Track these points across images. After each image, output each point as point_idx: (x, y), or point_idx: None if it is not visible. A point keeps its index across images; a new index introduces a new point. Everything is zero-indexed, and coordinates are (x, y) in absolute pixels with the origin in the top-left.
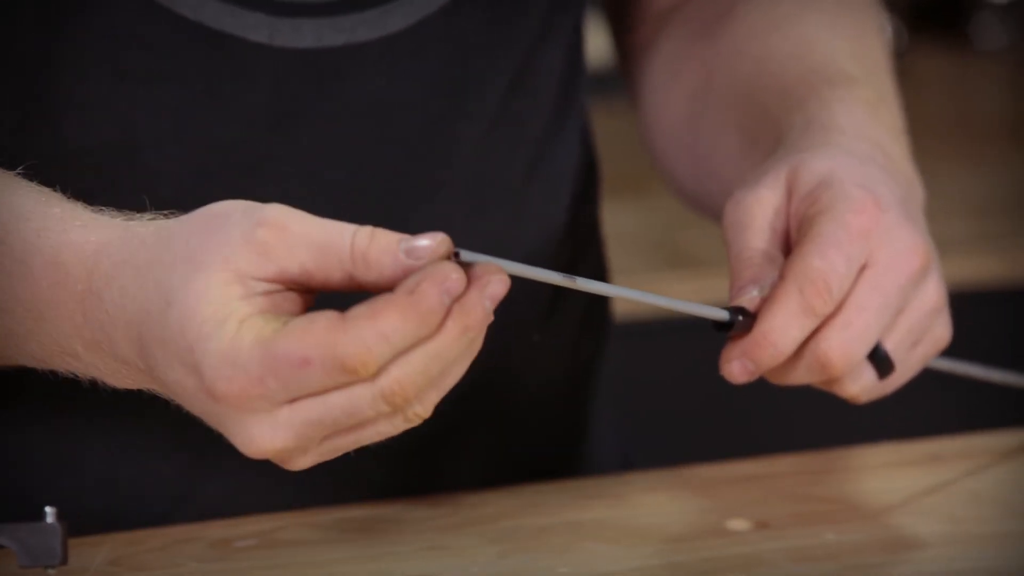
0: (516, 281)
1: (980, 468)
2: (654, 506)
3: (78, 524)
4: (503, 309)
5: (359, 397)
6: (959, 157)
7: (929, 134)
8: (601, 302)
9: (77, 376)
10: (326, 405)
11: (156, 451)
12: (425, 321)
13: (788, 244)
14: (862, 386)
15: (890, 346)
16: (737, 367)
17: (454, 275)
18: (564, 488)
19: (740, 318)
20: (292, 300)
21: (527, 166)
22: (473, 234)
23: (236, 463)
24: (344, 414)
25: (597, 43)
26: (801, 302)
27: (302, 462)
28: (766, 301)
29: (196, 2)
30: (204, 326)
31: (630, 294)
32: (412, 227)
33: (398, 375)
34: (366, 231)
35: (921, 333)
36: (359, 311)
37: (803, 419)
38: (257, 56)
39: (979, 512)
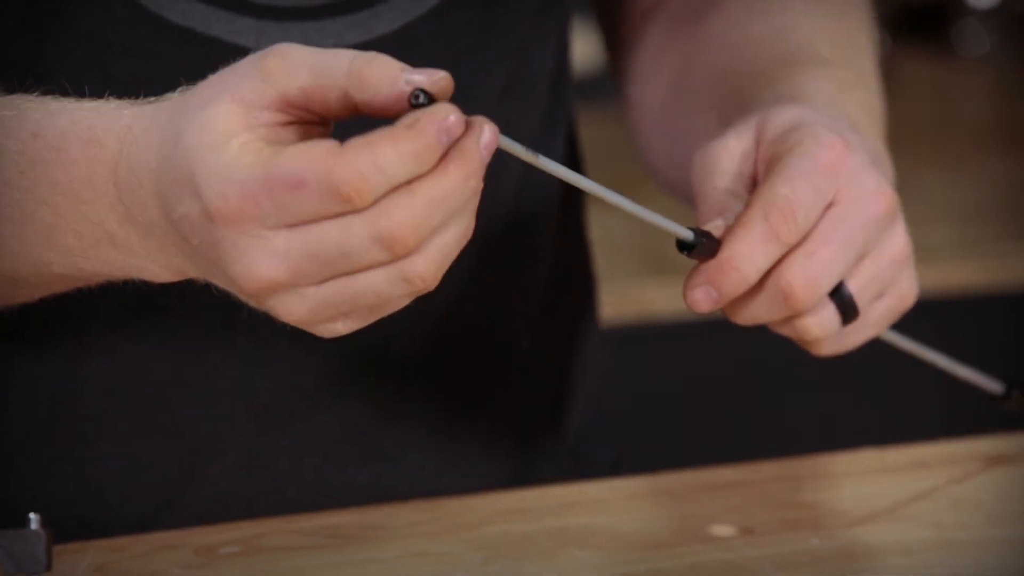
0: (508, 287)
1: (964, 474)
2: (638, 512)
3: (62, 531)
4: (494, 313)
5: (355, 235)
6: (942, 163)
7: (912, 140)
8: (590, 308)
9: (111, 283)
10: (321, 236)
11: (141, 459)
12: (421, 156)
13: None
14: (824, 328)
15: (854, 289)
16: (701, 294)
17: (453, 116)
18: (548, 494)
19: (704, 240)
20: (295, 134)
21: (518, 169)
22: None
23: (221, 471)
24: (339, 251)
25: (581, 49)
26: (766, 228)
27: (297, 308)
28: (730, 228)
29: (185, 7)
30: (205, 150)
31: (593, 186)
32: None
33: (398, 217)
34: (368, 54)
35: (886, 283)
36: (357, 140)
37: (787, 425)
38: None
39: (963, 518)
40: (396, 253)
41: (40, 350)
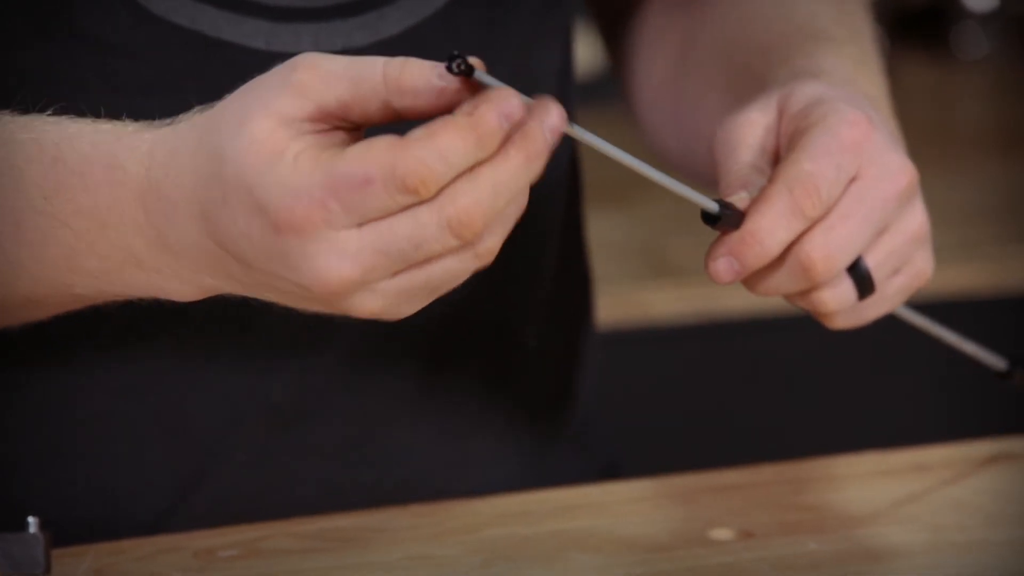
0: (515, 287)
1: (962, 477)
2: (638, 515)
3: (71, 533)
4: (502, 314)
5: (424, 225)
6: (942, 166)
7: (912, 142)
8: (589, 309)
9: (134, 301)
10: (392, 231)
11: (150, 459)
12: (483, 142)
13: (778, 162)
14: (840, 302)
15: (871, 264)
16: (723, 264)
17: (514, 100)
18: (548, 497)
19: (729, 213)
20: (340, 138)
21: None
22: None
23: (230, 470)
24: (410, 244)
25: (579, 53)
26: (790, 202)
27: (371, 303)
28: (754, 201)
29: (192, 10)
30: (260, 165)
31: (624, 156)
32: None
33: (465, 203)
34: (397, 60)
35: (903, 259)
36: (418, 132)
37: (787, 427)
38: (254, 63)
39: (961, 520)
40: (465, 238)
41: (51, 351)
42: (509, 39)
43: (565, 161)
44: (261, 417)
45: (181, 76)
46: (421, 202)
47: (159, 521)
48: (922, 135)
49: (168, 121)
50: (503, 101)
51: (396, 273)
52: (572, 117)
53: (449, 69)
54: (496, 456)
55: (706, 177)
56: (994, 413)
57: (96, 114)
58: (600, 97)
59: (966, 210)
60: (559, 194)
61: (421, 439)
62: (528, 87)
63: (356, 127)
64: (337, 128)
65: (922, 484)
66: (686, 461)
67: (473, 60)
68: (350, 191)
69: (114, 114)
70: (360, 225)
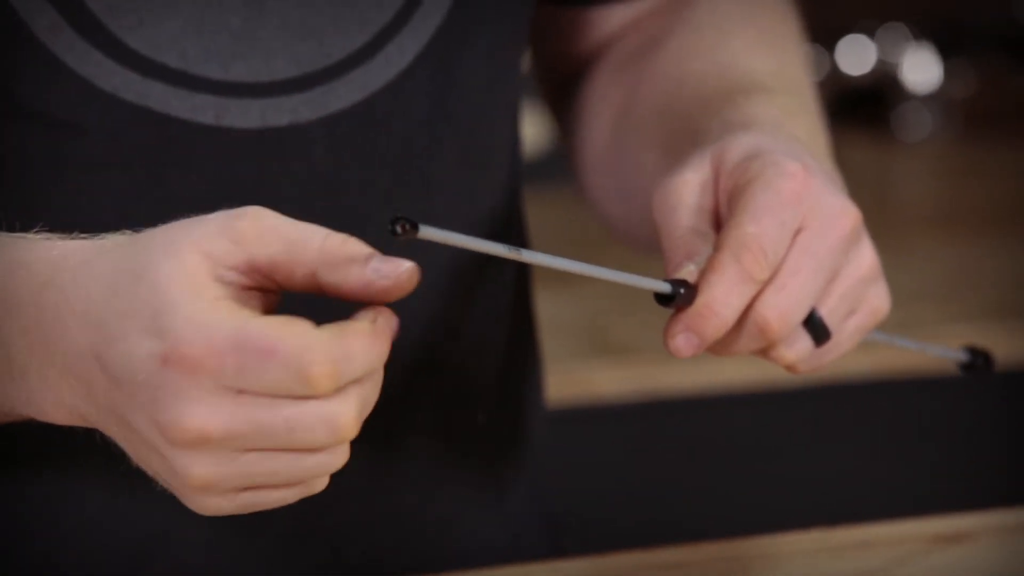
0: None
1: (908, 555)
2: None
3: None
4: (453, 391)
5: (307, 414)
6: (884, 246)
7: None
8: (538, 387)
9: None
10: (272, 407)
11: (109, 527)
12: (386, 352)
13: (718, 222)
14: (798, 353)
15: (825, 312)
16: (682, 341)
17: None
18: (492, 574)
19: (682, 291)
20: (256, 300)
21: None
22: (423, 310)
23: (175, 552)
24: (286, 426)
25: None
26: (739, 270)
27: (210, 469)
28: (704, 273)
29: (142, 87)
30: (177, 295)
31: (574, 266)
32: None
33: (349, 405)
34: (340, 236)
35: (856, 301)
36: (334, 328)
37: (731, 505)
38: (203, 138)
39: None
40: (342, 439)
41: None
42: (459, 113)
43: (519, 242)
44: None
45: (130, 152)
46: (311, 395)
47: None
48: (865, 215)
49: (88, 236)
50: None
51: (251, 449)
52: (521, 192)
53: (394, 232)
54: (446, 532)
55: (648, 239)
56: (941, 489)
57: (44, 197)
58: (541, 177)
59: (909, 290)
60: (508, 274)
61: (372, 516)
62: (479, 162)
63: (274, 290)
64: (257, 288)
65: (867, 562)
66: (629, 538)
67: (403, 274)
68: (252, 355)
69: (61, 194)
70: (241, 391)
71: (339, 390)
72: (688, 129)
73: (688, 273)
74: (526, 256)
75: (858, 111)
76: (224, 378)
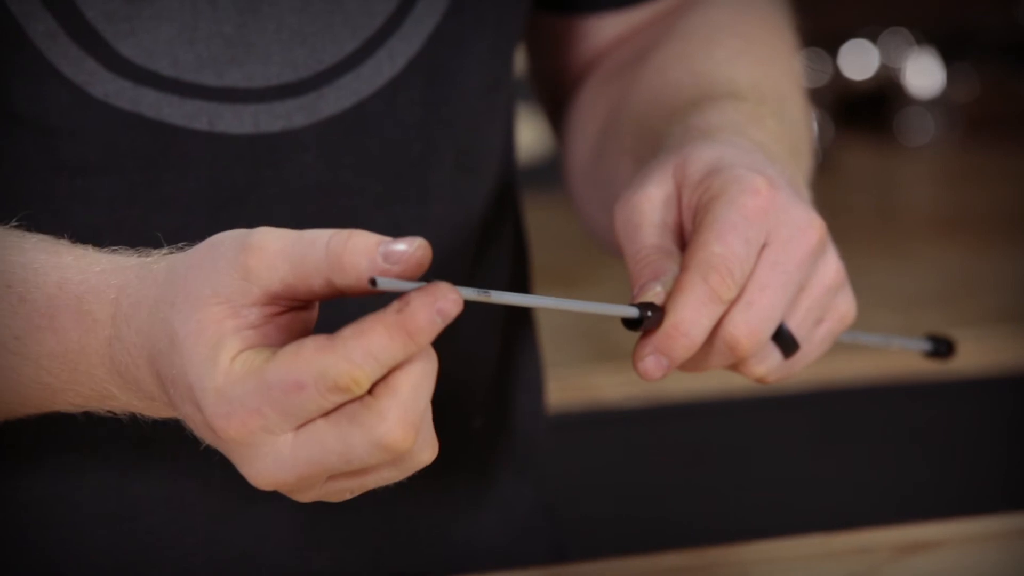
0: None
1: (907, 559)
2: None
3: None
4: (447, 396)
5: (353, 447)
6: (886, 251)
7: (856, 228)
8: (538, 392)
9: (116, 415)
10: (323, 447)
11: (96, 545)
12: (413, 339)
13: (682, 237)
14: (768, 367)
15: (793, 324)
16: (652, 362)
17: (451, 295)
18: None
19: (649, 314)
20: (289, 323)
21: (475, 248)
22: None
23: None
24: (342, 460)
25: (525, 137)
26: (706, 290)
27: (305, 497)
28: (671, 294)
29: (134, 94)
30: (200, 367)
31: (541, 302)
32: (353, 313)
33: (393, 419)
34: (343, 234)
35: (824, 310)
36: (347, 331)
37: (733, 509)
38: (196, 144)
39: None
40: (399, 452)
41: None
42: (451, 119)
43: (510, 245)
44: (207, 499)
45: (123, 157)
46: (355, 399)
47: None
48: (867, 219)
49: (136, 256)
50: (434, 300)
51: (332, 478)
52: (515, 196)
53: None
54: (440, 540)
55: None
56: (942, 494)
57: (41, 201)
58: (540, 181)
59: (910, 295)
60: (502, 280)
61: (372, 521)
62: (472, 167)
63: (306, 306)
64: (290, 309)
65: (867, 566)
66: (631, 543)
67: (417, 251)
68: (283, 396)
69: (57, 198)
70: (298, 428)
71: (380, 411)
72: (655, 135)
73: (655, 295)
74: (495, 297)
75: (861, 116)
76: (274, 427)
